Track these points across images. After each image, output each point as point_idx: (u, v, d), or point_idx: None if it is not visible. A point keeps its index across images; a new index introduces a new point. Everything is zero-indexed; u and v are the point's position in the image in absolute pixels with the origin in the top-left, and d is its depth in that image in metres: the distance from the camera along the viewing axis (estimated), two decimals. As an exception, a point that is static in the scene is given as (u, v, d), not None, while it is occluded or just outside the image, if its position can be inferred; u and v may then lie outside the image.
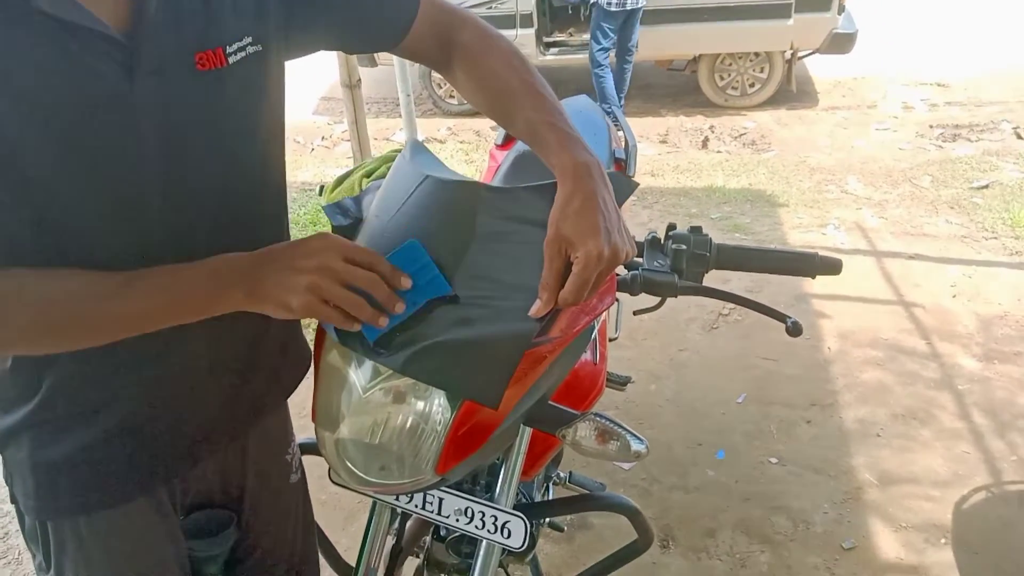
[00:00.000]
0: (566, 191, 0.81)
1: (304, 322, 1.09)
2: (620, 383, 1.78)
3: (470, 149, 5.33)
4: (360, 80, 3.88)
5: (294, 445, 1.19)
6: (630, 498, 1.25)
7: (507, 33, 1.01)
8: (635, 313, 1.38)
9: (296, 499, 1.19)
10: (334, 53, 2.87)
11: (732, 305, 2.93)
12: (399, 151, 1.04)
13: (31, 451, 0.88)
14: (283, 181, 0.98)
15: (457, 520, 1.07)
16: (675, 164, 4.86)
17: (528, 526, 1.05)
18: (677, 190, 4.44)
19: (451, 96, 5.97)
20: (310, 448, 1.18)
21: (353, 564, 1.19)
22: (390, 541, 1.29)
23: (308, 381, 0.99)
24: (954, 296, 3.16)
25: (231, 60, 0.81)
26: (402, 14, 0.95)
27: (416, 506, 1.08)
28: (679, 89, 6.25)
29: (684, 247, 1.11)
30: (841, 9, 5.35)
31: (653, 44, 5.58)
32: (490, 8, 5.51)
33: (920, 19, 7.32)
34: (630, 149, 1.79)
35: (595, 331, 1.28)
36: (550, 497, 1.54)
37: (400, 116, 4.56)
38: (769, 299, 1.50)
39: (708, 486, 2.27)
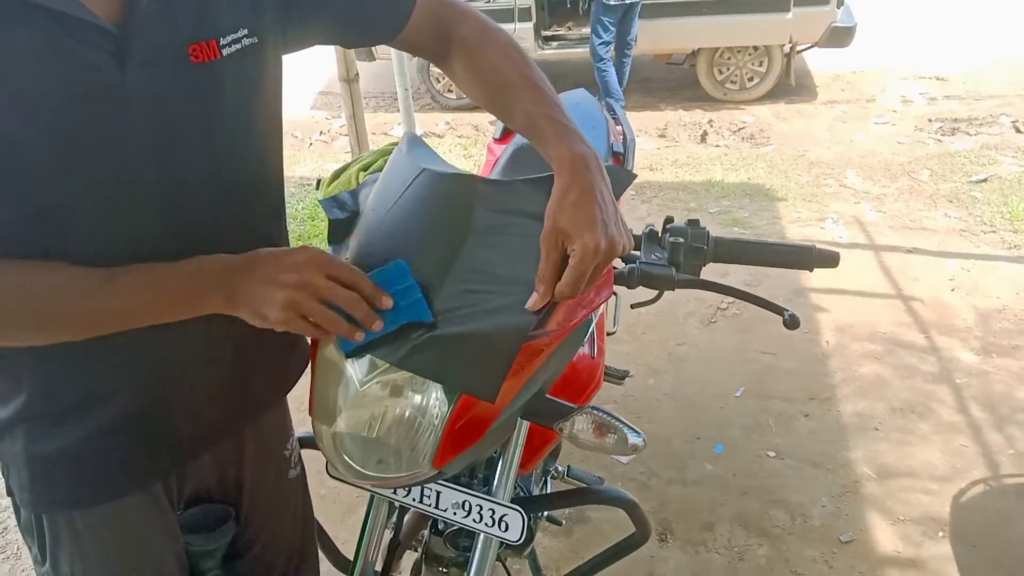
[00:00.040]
0: (563, 183, 0.81)
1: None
2: (618, 377, 1.79)
3: (468, 144, 5.32)
4: (358, 74, 3.88)
5: (293, 440, 1.19)
6: (628, 492, 1.24)
7: (506, 27, 1.01)
8: (633, 307, 1.38)
9: (295, 494, 1.19)
10: (331, 47, 2.86)
11: (730, 299, 2.93)
12: (396, 144, 1.03)
13: (26, 444, 0.87)
14: (281, 175, 0.98)
15: (455, 513, 1.07)
16: (674, 158, 4.85)
17: (526, 519, 1.05)
18: (676, 184, 4.43)
19: (449, 91, 5.96)
20: (310, 442, 1.18)
21: (351, 557, 1.19)
22: (388, 535, 1.29)
23: (307, 376, 0.99)
24: (952, 290, 3.16)
25: (225, 52, 0.81)
26: (400, 6, 0.94)
27: (414, 500, 1.08)
28: (678, 83, 6.24)
29: (681, 240, 1.10)
30: (840, 3, 5.35)
31: (652, 38, 5.57)
32: (489, 2, 5.51)
33: (919, 13, 7.30)
34: (628, 143, 1.79)
35: (593, 325, 1.28)
36: (548, 491, 1.54)
37: (398, 111, 4.55)
38: (767, 293, 1.50)
39: (706, 480, 2.28)
